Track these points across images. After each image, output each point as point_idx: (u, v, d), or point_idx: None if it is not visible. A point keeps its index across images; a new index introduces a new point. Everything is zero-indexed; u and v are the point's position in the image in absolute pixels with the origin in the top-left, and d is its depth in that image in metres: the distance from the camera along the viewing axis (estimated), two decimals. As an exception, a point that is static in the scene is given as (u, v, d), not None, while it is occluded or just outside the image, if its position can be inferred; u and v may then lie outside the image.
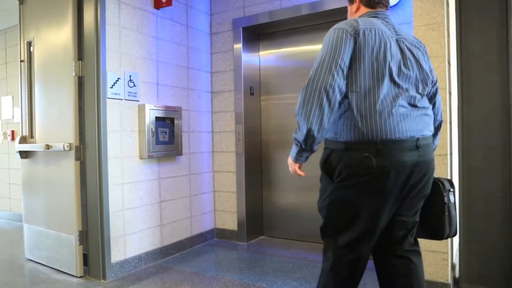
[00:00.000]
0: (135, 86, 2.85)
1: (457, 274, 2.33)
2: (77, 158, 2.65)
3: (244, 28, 3.50)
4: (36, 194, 3.00)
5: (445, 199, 1.60)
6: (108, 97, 2.64)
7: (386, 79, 1.44)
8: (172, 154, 3.13)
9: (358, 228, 1.49)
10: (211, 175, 3.66)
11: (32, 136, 3.03)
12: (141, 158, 2.89)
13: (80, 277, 2.67)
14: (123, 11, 2.77)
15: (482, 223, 2.20)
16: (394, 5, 2.80)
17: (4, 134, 4.75)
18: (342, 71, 1.42)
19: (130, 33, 2.82)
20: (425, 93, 1.56)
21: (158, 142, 2.97)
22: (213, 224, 3.68)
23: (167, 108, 3.07)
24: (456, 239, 2.37)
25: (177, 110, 3.18)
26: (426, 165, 1.51)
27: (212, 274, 2.72)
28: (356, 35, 1.44)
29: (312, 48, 3.47)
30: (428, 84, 1.57)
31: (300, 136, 1.47)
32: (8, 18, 4.27)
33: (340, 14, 3.08)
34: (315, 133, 1.43)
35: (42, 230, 2.93)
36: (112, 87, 2.66)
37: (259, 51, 3.73)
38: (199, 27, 3.53)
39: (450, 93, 2.26)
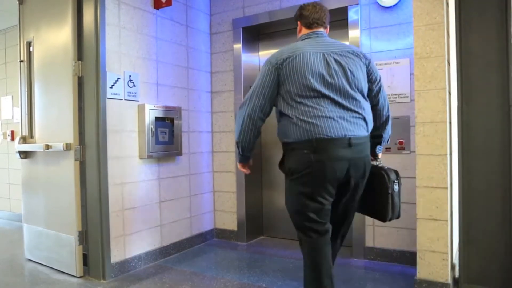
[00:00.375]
0: (134, 86, 2.85)
1: (456, 274, 2.33)
2: (76, 158, 2.65)
3: (244, 28, 3.50)
4: (36, 194, 2.99)
5: (389, 189, 1.91)
6: (108, 97, 2.64)
7: (311, 92, 1.79)
8: (171, 154, 3.13)
9: (310, 215, 1.82)
10: (211, 175, 3.66)
11: (31, 136, 3.03)
12: (140, 158, 2.89)
13: (80, 277, 2.67)
14: (122, 11, 2.77)
15: (482, 223, 2.20)
16: (393, 5, 2.80)
17: (4, 134, 4.75)
18: (263, 96, 1.86)
19: (130, 33, 2.82)
20: (355, 95, 1.83)
21: (157, 142, 2.97)
22: (213, 224, 3.68)
23: (167, 108, 3.07)
24: (456, 239, 2.37)
25: (177, 110, 3.18)
26: (361, 160, 1.84)
27: (212, 274, 2.72)
28: (278, 65, 1.84)
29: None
30: (358, 87, 1.85)
31: (236, 145, 1.98)
32: (7, 18, 4.27)
33: (339, 14, 3.08)
34: (243, 144, 1.93)
35: (42, 230, 2.92)
36: (111, 87, 2.66)
37: (259, 51, 3.73)
38: (199, 27, 3.53)
39: (449, 93, 2.27)
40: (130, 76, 2.81)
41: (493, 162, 2.17)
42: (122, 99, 2.75)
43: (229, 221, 3.61)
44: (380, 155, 2.11)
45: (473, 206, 2.21)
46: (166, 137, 3.06)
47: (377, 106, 1.99)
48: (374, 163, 2.02)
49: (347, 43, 3.06)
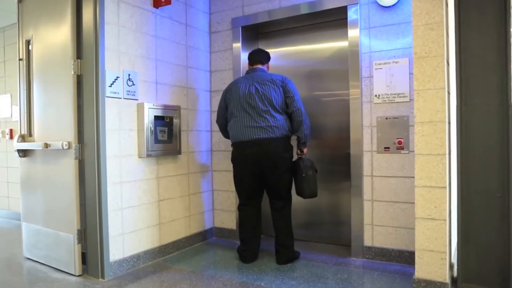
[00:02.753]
0: (134, 85, 2.84)
1: (455, 273, 2.34)
2: (76, 157, 2.65)
3: (243, 27, 3.50)
4: (34, 192, 2.99)
5: (303, 173, 2.78)
6: (107, 95, 2.63)
7: (238, 111, 2.83)
8: (171, 153, 3.13)
9: (240, 186, 2.95)
10: (210, 174, 3.66)
11: (30, 135, 3.03)
12: (140, 157, 2.88)
13: (79, 275, 2.67)
14: (122, 9, 2.77)
15: (480, 223, 2.21)
16: (393, 5, 2.80)
17: (3, 132, 4.74)
18: (221, 111, 3.01)
19: (129, 31, 2.82)
20: (266, 111, 2.74)
21: (156, 141, 2.97)
22: (211, 223, 3.68)
23: (166, 107, 3.07)
24: (454, 239, 2.37)
25: (176, 109, 3.18)
26: (267, 153, 2.75)
27: (210, 273, 2.73)
28: (225, 93, 2.97)
29: (311, 48, 3.47)
30: (271, 104, 2.75)
31: None
32: (6, 16, 4.26)
33: (339, 13, 3.08)
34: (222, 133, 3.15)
35: (41, 228, 2.92)
36: (111, 86, 2.66)
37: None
38: (198, 26, 3.53)
39: (449, 93, 2.27)
40: (129, 74, 2.81)
41: (492, 162, 2.17)
42: (121, 98, 2.75)
43: (228, 220, 3.61)
44: (305, 150, 2.90)
45: (472, 205, 2.22)
46: (165, 136, 3.06)
47: (291, 114, 2.79)
48: (303, 156, 2.90)
49: (346, 42, 3.08)
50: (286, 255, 2.91)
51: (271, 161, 2.76)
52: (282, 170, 2.80)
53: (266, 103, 2.75)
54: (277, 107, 2.76)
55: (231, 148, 3.11)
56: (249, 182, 2.88)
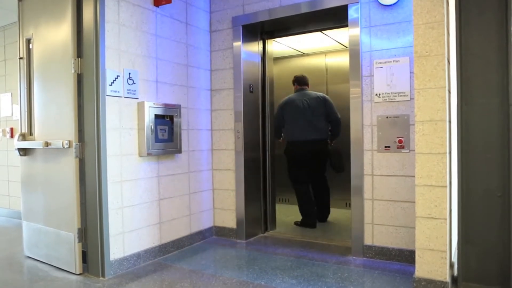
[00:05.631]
0: (134, 83, 2.84)
1: (455, 272, 2.33)
2: (76, 156, 2.65)
3: (243, 26, 3.50)
4: (35, 191, 2.99)
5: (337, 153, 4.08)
6: (107, 94, 2.63)
7: (296, 119, 3.88)
8: (171, 152, 3.13)
9: (293, 173, 4.05)
10: (210, 173, 3.66)
11: (31, 134, 3.03)
12: (140, 156, 2.88)
13: (79, 274, 2.67)
14: (122, 8, 2.77)
15: (481, 222, 2.20)
16: (394, 4, 2.80)
17: (3, 131, 4.74)
18: (278, 120, 4.03)
19: (129, 30, 2.82)
20: (314, 119, 3.86)
21: (157, 139, 2.97)
22: (212, 222, 3.68)
23: (166, 106, 3.07)
24: (454, 238, 2.37)
25: (176, 108, 3.17)
26: (312, 151, 3.93)
27: (210, 272, 2.73)
28: (282, 106, 4.03)
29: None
30: (317, 115, 3.88)
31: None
32: (7, 15, 4.26)
33: (339, 12, 3.07)
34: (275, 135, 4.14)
35: (41, 227, 2.92)
36: (111, 85, 2.66)
37: (258, 49, 3.73)
38: (198, 25, 3.53)
39: (449, 92, 2.27)
40: (129, 73, 2.80)
41: (492, 161, 2.17)
42: (121, 97, 2.75)
43: (228, 219, 3.61)
44: (332, 142, 4.07)
45: (472, 204, 2.22)
46: (166, 135, 3.06)
47: (331, 122, 3.96)
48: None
49: (346, 41, 3.07)
50: (326, 212, 4.17)
51: (317, 155, 3.98)
52: (323, 161, 4.08)
53: (315, 113, 3.89)
54: (323, 117, 3.93)
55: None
56: (299, 168, 3.98)
